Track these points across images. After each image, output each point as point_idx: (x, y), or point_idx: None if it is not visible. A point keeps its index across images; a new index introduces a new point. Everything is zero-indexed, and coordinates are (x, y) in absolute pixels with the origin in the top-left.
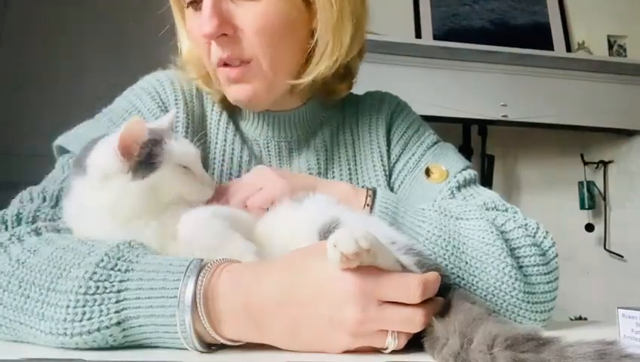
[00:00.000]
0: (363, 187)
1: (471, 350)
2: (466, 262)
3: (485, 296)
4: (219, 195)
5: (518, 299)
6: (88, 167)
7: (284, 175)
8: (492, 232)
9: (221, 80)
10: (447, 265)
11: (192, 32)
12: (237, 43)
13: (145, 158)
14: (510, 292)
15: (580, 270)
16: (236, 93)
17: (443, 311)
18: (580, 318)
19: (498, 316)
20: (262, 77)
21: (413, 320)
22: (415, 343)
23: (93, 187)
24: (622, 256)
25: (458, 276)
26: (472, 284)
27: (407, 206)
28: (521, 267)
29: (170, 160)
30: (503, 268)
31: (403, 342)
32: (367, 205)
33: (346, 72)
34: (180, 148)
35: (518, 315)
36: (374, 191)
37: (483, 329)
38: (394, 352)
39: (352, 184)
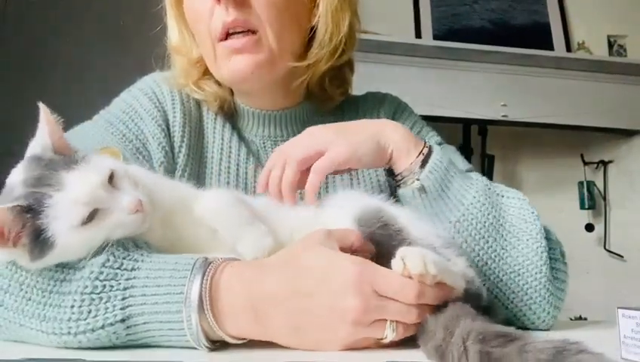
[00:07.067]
0: (421, 140)
1: (450, 343)
2: (502, 235)
3: (510, 272)
4: (276, 159)
5: (540, 282)
6: None
7: (339, 131)
8: (532, 213)
9: (222, 54)
10: (482, 231)
11: (195, 1)
12: (244, 9)
13: (34, 234)
14: (536, 274)
15: (579, 270)
16: (238, 64)
17: (439, 308)
18: (580, 318)
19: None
20: (267, 49)
21: (410, 310)
22: (415, 343)
23: None
24: (622, 256)
25: (490, 246)
26: (501, 258)
27: (457, 170)
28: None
29: (63, 226)
30: (537, 248)
31: (401, 332)
32: (423, 153)
33: (340, 81)
34: (67, 200)
35: (534, 303)
36: (430, 149)
37: (463, 324)
38: (393, 353)
39: (410, 131)
